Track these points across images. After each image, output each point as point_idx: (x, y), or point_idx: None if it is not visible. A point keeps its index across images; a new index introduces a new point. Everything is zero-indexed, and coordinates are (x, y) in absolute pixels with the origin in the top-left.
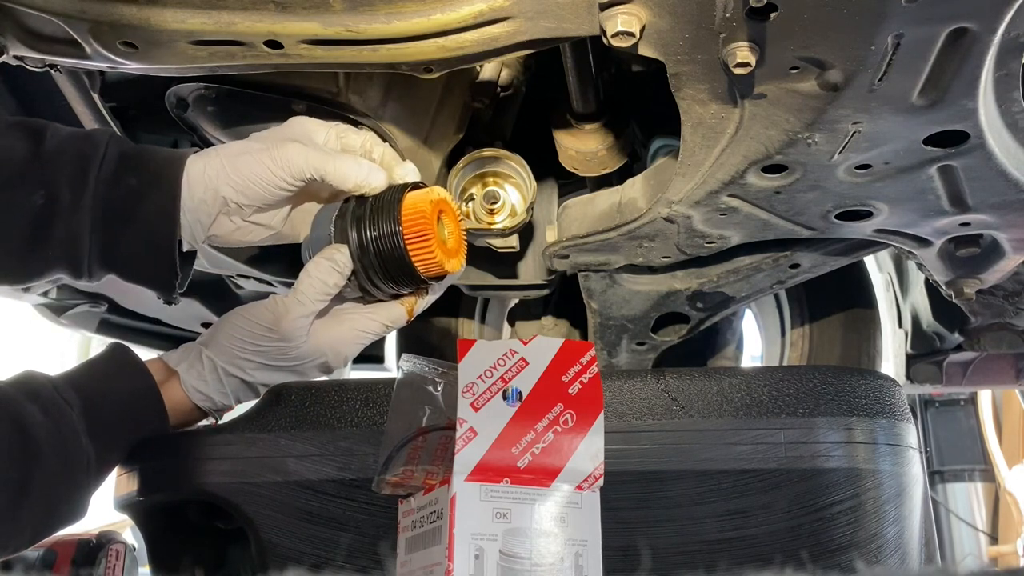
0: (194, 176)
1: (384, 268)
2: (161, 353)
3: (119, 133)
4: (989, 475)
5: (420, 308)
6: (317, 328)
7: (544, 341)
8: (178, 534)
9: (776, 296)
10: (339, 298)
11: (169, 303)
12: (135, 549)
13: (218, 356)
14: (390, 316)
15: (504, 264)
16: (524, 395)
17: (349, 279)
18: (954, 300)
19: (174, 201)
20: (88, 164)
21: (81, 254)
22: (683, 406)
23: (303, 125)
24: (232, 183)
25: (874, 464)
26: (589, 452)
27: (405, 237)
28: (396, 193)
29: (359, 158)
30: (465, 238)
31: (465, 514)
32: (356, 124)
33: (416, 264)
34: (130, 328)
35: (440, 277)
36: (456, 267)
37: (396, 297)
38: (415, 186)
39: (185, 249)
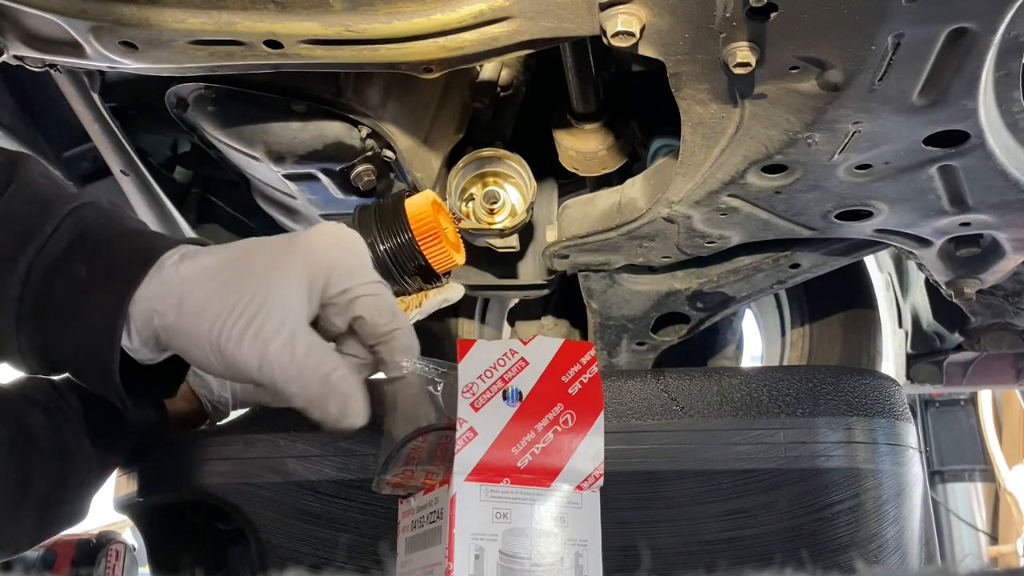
0: (139, 308)
1: (402, 271)
2: None
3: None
4: (989, 475)
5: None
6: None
7: (544, 341)
8: (178, 534)
9: (776, 296)
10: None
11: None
12: (135, 549)
13: None
14: None
15: (504, 264)
16: (524, 395)
17: None
18: (954, 300)
19: (117, 316)
20: (27, 242)
21: (5, 354)
22: (683, 406)
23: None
24: (177, 348)
25: (874, 464)
26: (589, 452)
27: (417, 240)
28: (396, 201)
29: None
30: (459, 231)
31: (465, 514)
32: (356, 124)
33: (432, 262)
34: None
35: (449, 272)
36: (462, 259)
37: (403, 294)
38: (407, 193)
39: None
